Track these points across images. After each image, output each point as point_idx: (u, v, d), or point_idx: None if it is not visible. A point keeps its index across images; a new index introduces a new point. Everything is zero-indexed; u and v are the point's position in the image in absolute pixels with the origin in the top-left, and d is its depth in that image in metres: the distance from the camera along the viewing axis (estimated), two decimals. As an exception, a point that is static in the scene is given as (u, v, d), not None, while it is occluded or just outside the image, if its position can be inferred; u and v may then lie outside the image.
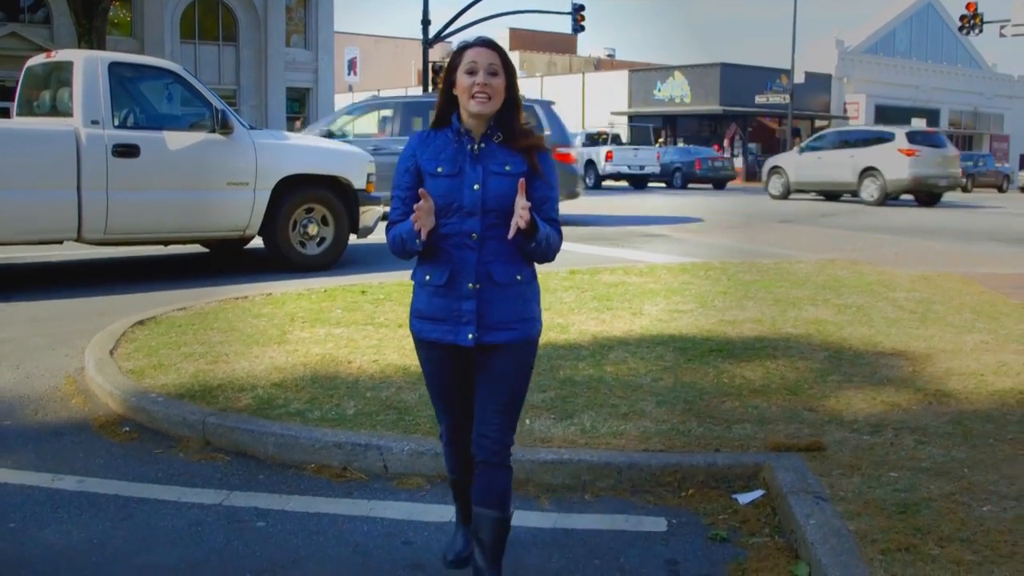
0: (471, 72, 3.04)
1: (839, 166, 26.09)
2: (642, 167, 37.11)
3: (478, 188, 3.05)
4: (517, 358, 3.15)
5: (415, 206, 2.97)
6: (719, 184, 38.84)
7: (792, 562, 3.59)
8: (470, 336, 3.07)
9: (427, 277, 3.13)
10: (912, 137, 25.61)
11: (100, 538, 3.83)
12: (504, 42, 73.90)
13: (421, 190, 2.99)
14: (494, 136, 3.11)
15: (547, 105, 16.72)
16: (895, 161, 24.68)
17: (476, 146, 3.10)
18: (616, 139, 39.63)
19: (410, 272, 3.28)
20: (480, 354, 3.12)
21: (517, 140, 3.11)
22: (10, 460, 4.66)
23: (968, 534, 3.56)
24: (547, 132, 15.08)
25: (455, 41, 54.00)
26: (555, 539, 3.87)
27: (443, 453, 3.47)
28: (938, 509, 3.79)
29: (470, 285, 3.06)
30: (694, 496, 4.23)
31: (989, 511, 3.78)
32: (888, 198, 25.37)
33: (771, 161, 29.92)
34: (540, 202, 3.10)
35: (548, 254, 3.11)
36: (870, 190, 25.47)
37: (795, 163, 27.82)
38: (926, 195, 25.94)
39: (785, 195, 27.91)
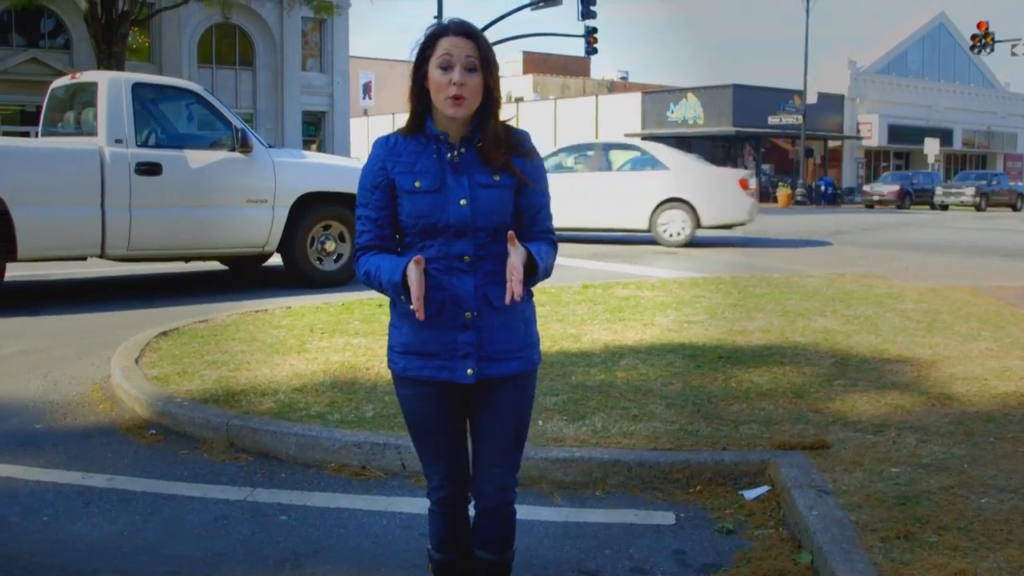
0: (445, 67, 2.60)
1: None
2: None
3: (465, 203, 2.63)
4: (521, 389, 2.79)
5: (409, 280, 2.52)
6: None
7: (796, 551, 3.72)
8: (469, 372, 2.67)
9: (412, 306, 2.61)
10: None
11: (130, 530, 3.99)
12: (518, 66, 74.48)
13: (417, 257, 2.53)
14: (475, 139, 2.68)
15: None
16: None
17: (456, 153, 2.67)
18: None
19: None
20: (479, 389, 2.72)
21: (492, 151, 2.67)
22: (41, 459, 4.84)
23: (966, 523, 3.69)
24: None
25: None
26: (567, 531, 4.01)
27: (431, 524, 2.93)
28: (937, 501, 3.92)
29: (467, 314, 2.65)
30: (702, 492, 4.37)
31: (987, 503, 3.91)
32: None
33: None
34: (534, 212, 2.75)
35: (547, 276, 2.75)
36: None
37: None
38: None
39: None
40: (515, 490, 2.88)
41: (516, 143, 2.73)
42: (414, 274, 2.51)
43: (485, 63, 2.63)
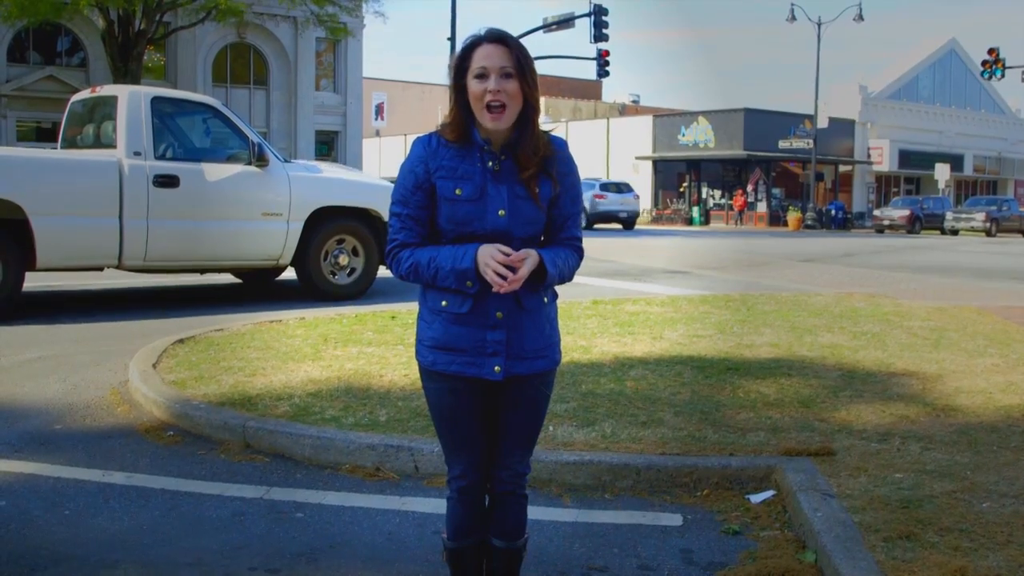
0: (481, 76, 2.66)
1: None
2: None
3: (503, 214, 2.71)
4: (543, 386, 2.91)
5: (486, 256, 2.63)
6: None
7: (800, 551, 3.80)
8: (497, 369, 2.76)
9: (443, 303, 2.77)
10: (604, 186, 38.33)
11: (150, 525, 4.10)
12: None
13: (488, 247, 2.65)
14: (516, 147, 2.75)
15: None
16: (592, 201, 36.93)
17: (497, 161, 2.73)
18: None
19: None
20: (504, 384, 2.82)
21: (528, 159, 2.73)
22: (62, 458, 4.95)
23: (967, 526, 3.77)
24: None
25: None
26: (576, 531, 4.10)
27: (448, 512, 3.01)
28: (940, 504, 4.00)
29: (497, 314, 2.74)
30: (709, 496, 4.46)
31: (988, 507, 3.99)
32: (591, 225, 36.68)
33: None
34: (562, 220, 2.83)
35: (564, 280, 2.85)
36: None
37: None
38: (618, 222, 37.75)
39: None
40: (528, 475, 3.00)
41: (552, 152, 2.79)
42: (491, 249, 2.63)
43: (520, 69, 2.67)
